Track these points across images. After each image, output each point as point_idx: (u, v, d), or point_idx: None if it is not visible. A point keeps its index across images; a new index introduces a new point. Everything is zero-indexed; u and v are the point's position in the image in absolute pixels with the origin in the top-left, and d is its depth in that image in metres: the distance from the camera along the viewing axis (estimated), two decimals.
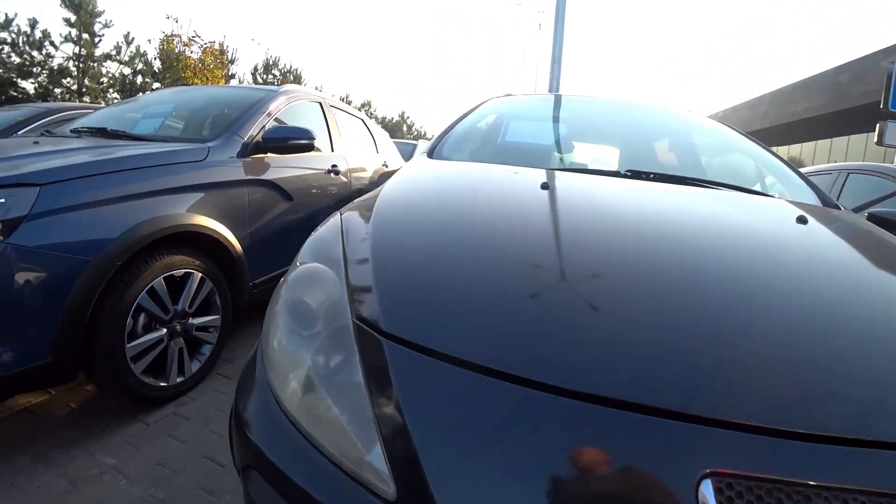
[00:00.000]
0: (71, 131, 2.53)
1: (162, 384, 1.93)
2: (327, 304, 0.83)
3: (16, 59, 13.81)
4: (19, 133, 4.05)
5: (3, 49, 13.56)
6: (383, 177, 1.61)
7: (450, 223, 1.08)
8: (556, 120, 2.70)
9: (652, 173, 1.53)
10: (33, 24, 13.91)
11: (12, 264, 1.43)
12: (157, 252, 1.83)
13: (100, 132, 2.44)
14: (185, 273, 1.96)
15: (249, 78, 17.75)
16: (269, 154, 2.45)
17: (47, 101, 13.25)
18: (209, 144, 2.17)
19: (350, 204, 1.27)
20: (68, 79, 14.69)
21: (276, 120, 2.68)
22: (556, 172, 1.54)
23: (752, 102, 24.60)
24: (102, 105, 6.57)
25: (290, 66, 18.70)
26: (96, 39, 14.88)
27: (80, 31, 14.55)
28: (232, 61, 12.53)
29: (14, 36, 13.73)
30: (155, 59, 14.47)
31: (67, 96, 14.54)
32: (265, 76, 18.62)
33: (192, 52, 10.05)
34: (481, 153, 1.93)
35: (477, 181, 1.44)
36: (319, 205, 2.97)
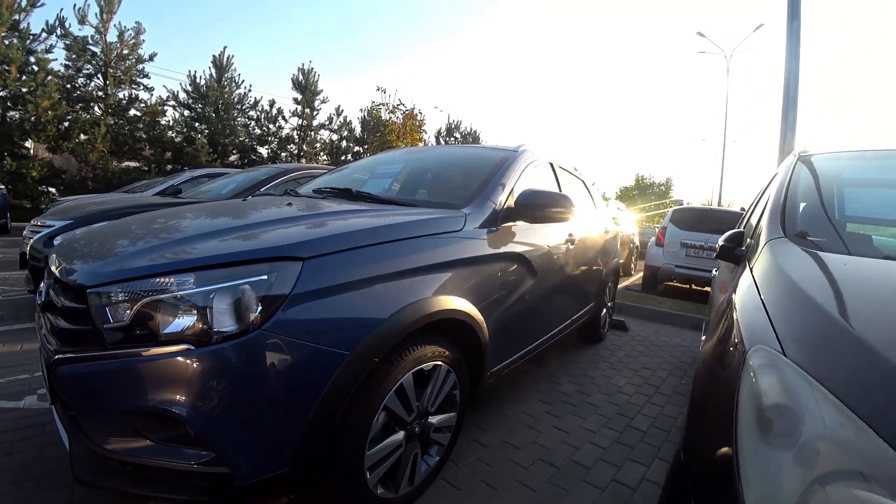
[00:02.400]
0: (314, 191, 2.46)
1: (390, 496, 1.57)
2: None
3: (258, 131, 17.19)
4: (261, 190, 4.48)
5: (250, 124, 17.03)
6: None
7: None
8: None
9: None
10: (272, 103, 17.30)
11: (263, 358, 1.16)
12: (412, 342, 1.51)
13: (344, 193, 2.31)
14: (434, 366, 1.61)
15: (433, 141, 19.21)
16: (517, 222, 2.08)
17: (275, 162, 16.02)
18: (465, 211, 1.86)
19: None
20: (291, 145, 17.85)
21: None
22: None
23: None
24: (318, 165, 7.36)
25: (470, 129, 19.79)
26: (315, 113, 17.92)
27: (303, 107, 17.70)
28: (420, 126, 13.63)
29: (258, 113, 17.17)
30: (357, 126, 16.75)
31: (289, 159, 17.50)
32: (447, 139, 20.03)
33: (396, 118, 11.09)
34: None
35: None
36: (558, 280, 2.53)
